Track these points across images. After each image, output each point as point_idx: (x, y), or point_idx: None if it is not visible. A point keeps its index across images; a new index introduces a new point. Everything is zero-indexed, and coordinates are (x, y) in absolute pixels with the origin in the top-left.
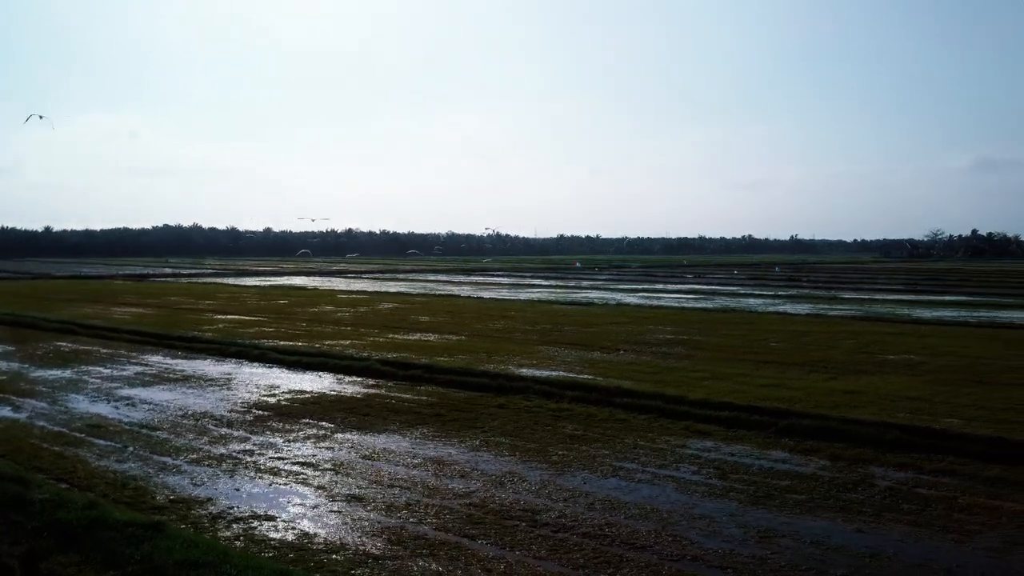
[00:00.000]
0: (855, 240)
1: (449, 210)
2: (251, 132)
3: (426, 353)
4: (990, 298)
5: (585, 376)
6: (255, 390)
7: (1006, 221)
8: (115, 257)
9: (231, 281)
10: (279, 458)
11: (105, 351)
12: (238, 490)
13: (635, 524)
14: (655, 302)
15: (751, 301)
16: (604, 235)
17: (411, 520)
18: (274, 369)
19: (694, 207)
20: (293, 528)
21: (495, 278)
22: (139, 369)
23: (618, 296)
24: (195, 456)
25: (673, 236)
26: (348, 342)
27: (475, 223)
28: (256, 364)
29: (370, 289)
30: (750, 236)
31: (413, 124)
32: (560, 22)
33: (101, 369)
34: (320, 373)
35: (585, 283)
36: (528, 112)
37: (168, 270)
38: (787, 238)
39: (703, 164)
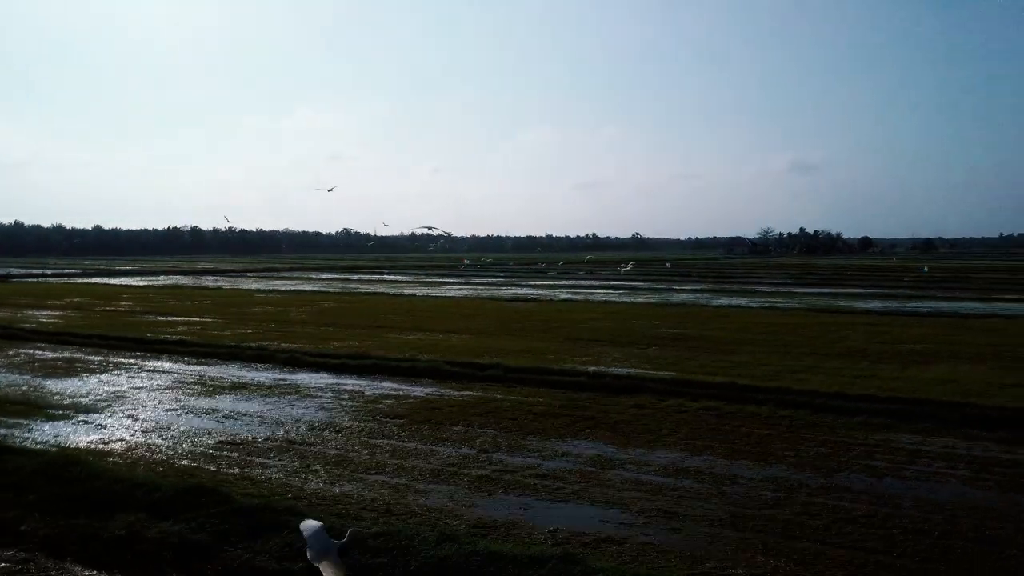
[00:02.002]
0: (689, 238)
1: (294, 207)
2: (78, 127)
3: (467, 353)
4: (900, 291)
5: (669, 372)
6: (348, 397)
7: (821, 218)
8: None
9: (115, 281)
10: (529, 472)
11: (98, 358)
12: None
13: (956, 519)
14: (599, 297)
15: (685, 296)
16: (455, 234)
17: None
18: (323, 375)
19: (539, 206)
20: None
21: (388, 276)
22: (175, 376)
23: (556, 293)
24: (433, 475)
25: (523, 235)
26: (358, 343)
27: (328, 222)
28: (300, 370)
29: (283, 288)
30: (594, 234)
31: (265, 119)
32: (403, 24)
33: (134, 380)
34: (379, 377)
35: (497, 279)
36: (374, 112)
37: (18, 270)
38: (629, 236)
39: (548, 164)
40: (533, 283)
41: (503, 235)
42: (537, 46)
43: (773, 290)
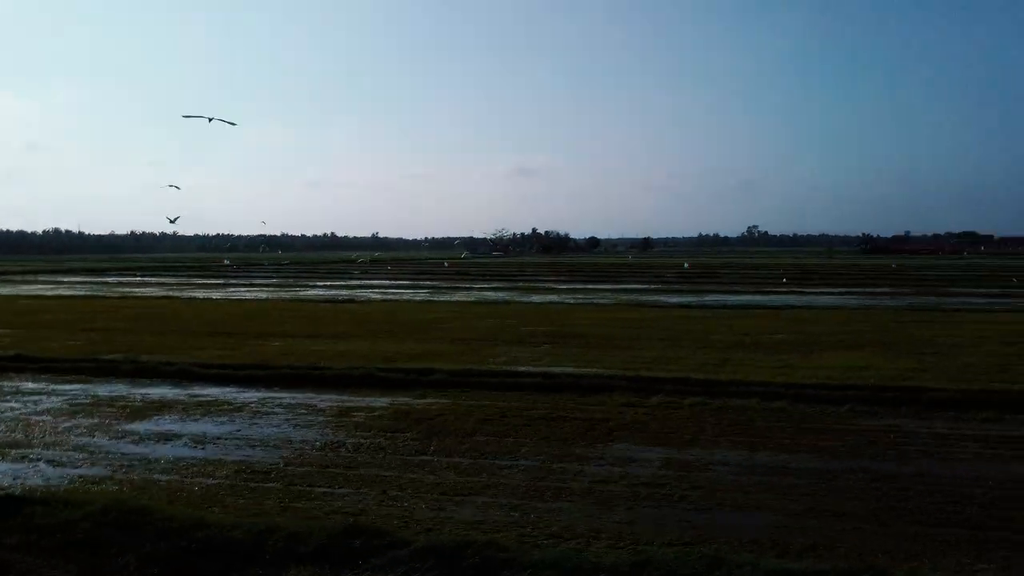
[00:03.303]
0: (426, 238)
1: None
2: None
3: (377, 359)
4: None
5: (614, 370)
6: (305, 411)
7: (547, 219)
8: None
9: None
10: (625, 481)
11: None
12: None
13: None
14: (410, 297)
15: (496, 295)
16: (179, 232)
17: None
18: (241, 389)
19: (272, 204)
20: None
21: (151, 278)
22: (65, 398)
23: (366, 293)
24: (545, 494)
25: (255, 234)
26: (233, 352)
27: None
28: (203, 384)
29: (49, 293)
30: (332, 233)
31: None
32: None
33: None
34: (304, 388)
35: (281, 280)
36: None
37: None
38: (368, 235)
39: (278, 161)
40: (323, 284)
41: (234, 234)
42: (268, 38)
43: (567, 287)
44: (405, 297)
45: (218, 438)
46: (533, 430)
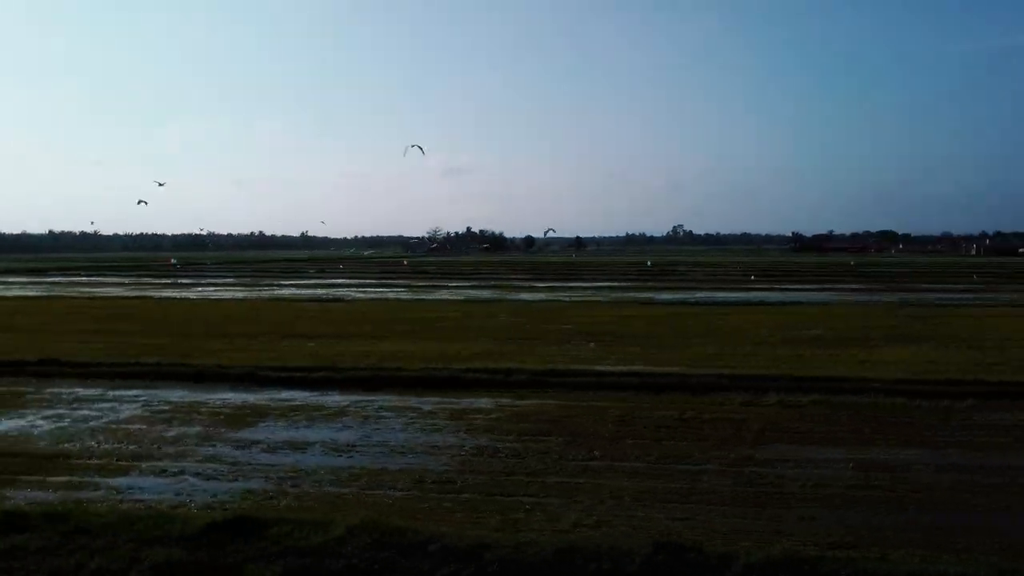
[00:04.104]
0: (356, 237)
1: None
2: None
3: (453, 360)
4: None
5: (704, 369)
6: (413, 415)
7: (472, 219)
8: None
9: None
10: (858, 485)
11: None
12: None
13: None
14: (395, 296)
15: (483, 293)
16: (99, 232)
17: None
18: (322, 392)
19: (198, 202)
20: None
21: (91, 277)
22: (143, 401)
23: (347, 292)
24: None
25: (180, 232)
26: (274, 353)
27: None
28: (278, 388)
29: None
30: (261, 232)
31: None
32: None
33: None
34: (384, 391)
35: (241, 279)
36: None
37: None
38: (298, 235)
39: (202, 158)
40: (290, 283)
41: (159, 233)
42: (189, 32)
43: (545, 285)
44: (390, 296)
45: (352, 445)
46: (679, 432)
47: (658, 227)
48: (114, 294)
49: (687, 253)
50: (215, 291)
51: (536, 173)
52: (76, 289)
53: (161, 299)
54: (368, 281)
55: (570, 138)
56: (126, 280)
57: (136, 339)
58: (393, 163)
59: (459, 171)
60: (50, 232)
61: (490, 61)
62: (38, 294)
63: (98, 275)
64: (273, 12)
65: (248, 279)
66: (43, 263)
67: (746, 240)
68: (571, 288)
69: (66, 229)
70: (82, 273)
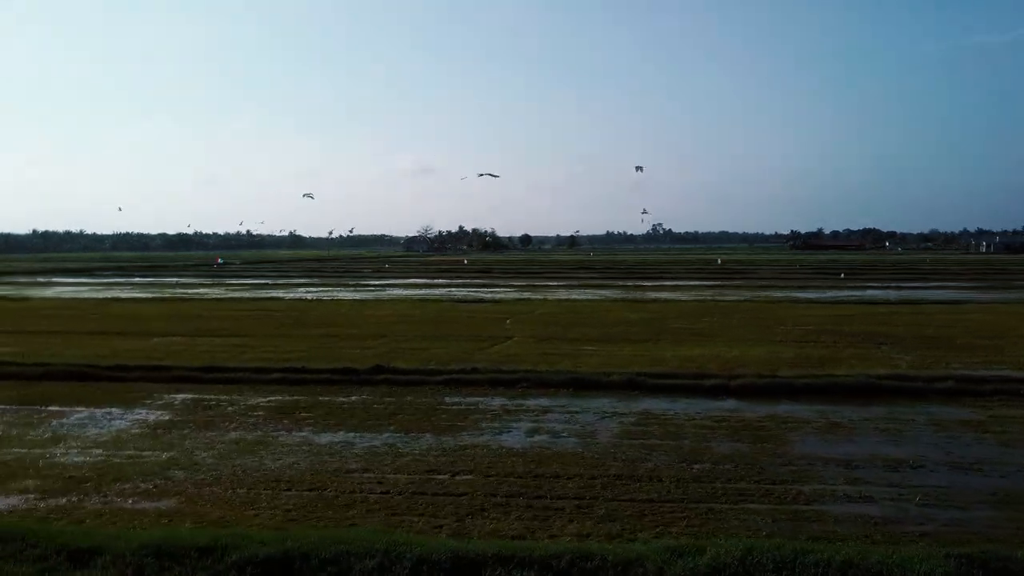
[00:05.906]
0: (342, 235)
1: None
2: None
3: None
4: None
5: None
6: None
7: (456, 218)
8: None
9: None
10: None
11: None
12: None
13: None
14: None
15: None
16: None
17: None
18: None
19: (177, 201)
20: None
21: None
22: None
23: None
24: None
25: (169, 231)
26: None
27: None
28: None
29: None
30: (248, 231)
31: None
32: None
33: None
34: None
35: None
36: None
37: None
38: (286, 234)
39: (172, 155)
40: (395, 281)
41: (148, 232)
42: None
43: (673, 284)
44: (511, 296)
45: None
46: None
47: (637, 226)
48: (204, 295)
49: (695, 252)
50: (306, 292)
51: (510, 173)
52: (170, 291)
53: (290, 301)
54: (464, 280)
55: (546, 137)
56: (190, 281)
57: (344, 343)
58: (370, 163)
59: (428, 171)
60: (34, 231)
61: (464, 67)
62: (140, 296)
63: (142, 275)
64: (242, 10)
65: (336, 279)
66: (70, 263)
67: (726, 238)
68: (713, 287)
69: (51, 229)
70: (135, 274)
